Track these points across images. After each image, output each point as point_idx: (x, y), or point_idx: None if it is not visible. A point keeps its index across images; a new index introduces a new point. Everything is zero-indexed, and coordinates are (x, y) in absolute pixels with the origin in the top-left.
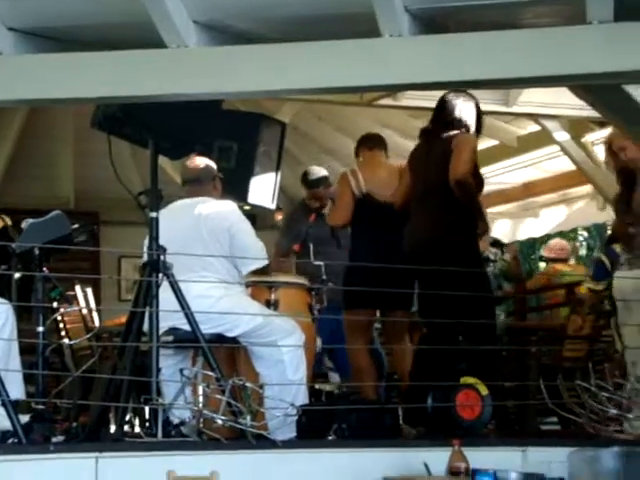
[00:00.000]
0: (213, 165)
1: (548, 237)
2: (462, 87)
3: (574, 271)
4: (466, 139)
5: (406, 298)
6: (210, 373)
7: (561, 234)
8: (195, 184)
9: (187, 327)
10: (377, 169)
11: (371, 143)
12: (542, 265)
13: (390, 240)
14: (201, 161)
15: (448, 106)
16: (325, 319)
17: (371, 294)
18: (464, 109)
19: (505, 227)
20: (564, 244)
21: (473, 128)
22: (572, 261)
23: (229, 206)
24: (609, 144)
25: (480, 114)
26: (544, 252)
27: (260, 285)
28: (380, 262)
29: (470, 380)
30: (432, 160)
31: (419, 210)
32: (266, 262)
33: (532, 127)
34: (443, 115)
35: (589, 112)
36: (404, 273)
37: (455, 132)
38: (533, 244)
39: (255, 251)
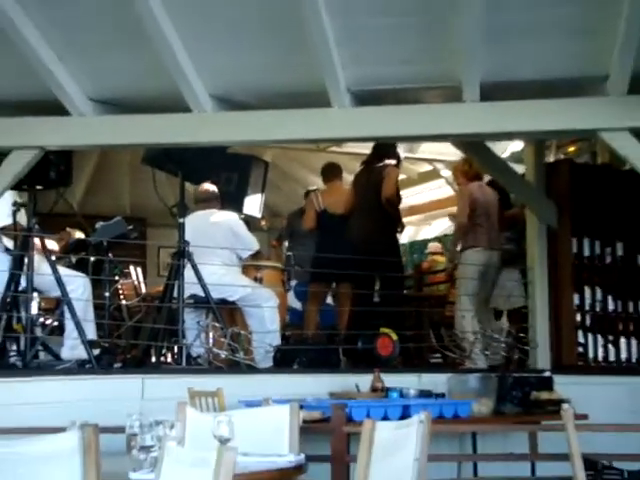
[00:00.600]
0: (215, 189)
1: (436, 239)
2: (383, 141)
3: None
4: (392, 170)
5: (350, 275)
6: (217, 324)
7: (437, 238)
8: (206, 202)
9: (202, 294)
10: (333, 193)
11: (330, 175)
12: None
13: (340, 238)
14: (209, 187)
15: (381, 149)
16: (303, 291)
17: (327, 272)
18: (391, 151)
19: (410, 231)
20: (438, 245)
21: (395, 163)
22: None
23: (231, 214)
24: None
25: (399, 155)
26: (429, 249)
27: (250, 267)
28: (333, 252)
29: (386, 330)
30: (369, 184)
31: (360, 218)
32: (257, 249)
33: (428, 167)
34: (377, 154)
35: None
36: (351, 259)
37: (385, 165)
38: (426, 243)
39: (250, 242)
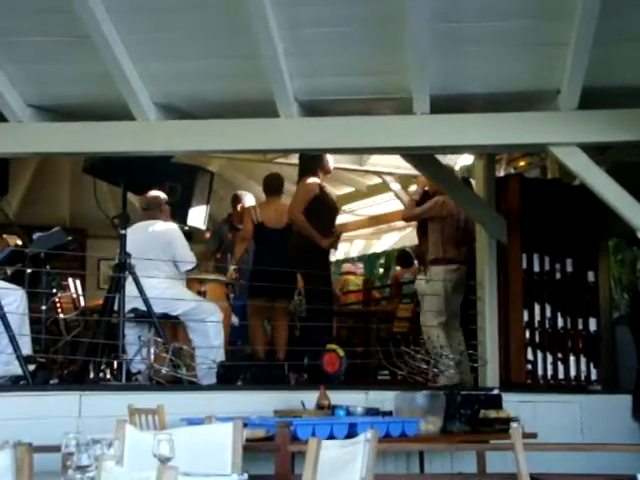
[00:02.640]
0: (162, 196)
1: (384, 254)
2: (330, 152)
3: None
4: (300, 188)
5: (288, 291)
6: (159, 339)
7: (384, 253)
8: (149, 210)
9: (144, 308)
10: (270, 207)
11: (270, 189)
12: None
13: (277, 252)
14: (152, 193)
15: (303, 164)
16: (240, 304)
17: (266, 286)
18: (314, 166)
19: (359, 246)
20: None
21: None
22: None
23: (173, 226)
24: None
25: (326, 166)
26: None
27: (194, 280)
28: (270, 265)
29: (332, 346)
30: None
31: (293, 235)
32: (195, 264)
33: (377, 180)
34: (302, 169)
35: (413, 171)
36: (287, 274)
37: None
38: (378, 257)
39: (187, 256)
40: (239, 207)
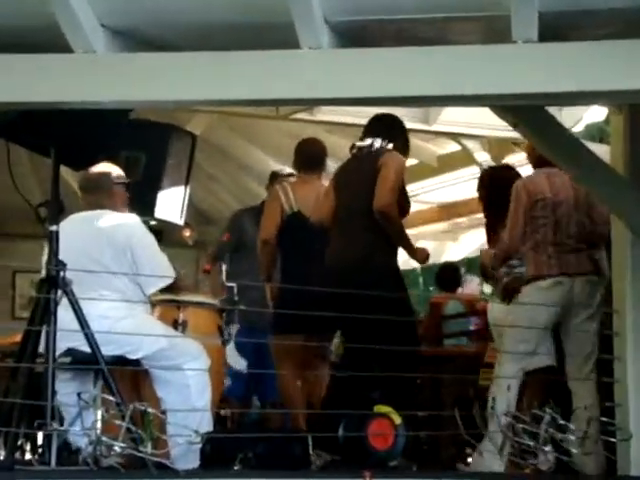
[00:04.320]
0: (115, 171)
1: (469, 261)
2: (381, 104)
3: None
4: (393, 159)
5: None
6: (110, 398)
7: (468, 260)
8: (93, 193)
9: (87, 348)
10: (308, 190)
11: (311, 162)
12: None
13: (321, 261)
14: (100, 167)
15: (378, 125)
16: (248, 342)
17: (304, 317)
18: (394, 128)
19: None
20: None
21: (399, 150)
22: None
23: (132, 220)
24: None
25: (407, 135)
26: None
27: (166, 304)
28: (311, 284)
29: (383, 409)
30: (359, 179)
31: (343, 231)
32: (172, 280)
33: (452, 146)
34: (373, 132)
35: (511, 133)
36: (332, 296)
37: (382, 149)
38: None
39: (160, 268)
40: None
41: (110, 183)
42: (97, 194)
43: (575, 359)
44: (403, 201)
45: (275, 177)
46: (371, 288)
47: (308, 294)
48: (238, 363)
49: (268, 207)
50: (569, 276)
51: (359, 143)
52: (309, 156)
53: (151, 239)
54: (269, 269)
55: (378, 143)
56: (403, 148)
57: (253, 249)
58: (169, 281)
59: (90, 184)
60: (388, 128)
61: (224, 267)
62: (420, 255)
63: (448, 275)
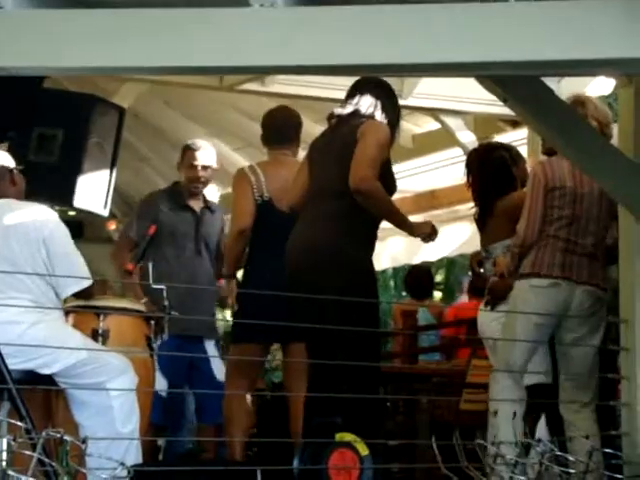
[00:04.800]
0: (7, 156)
1: (449, 261)
2: (344, 73)
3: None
4: (374, 128)
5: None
6: (18, 423)
7: (449, 260)
8: None
9: None
10: (277, 171)
11: (277, 140)
12: (437, 295)
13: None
14: None
15: (363, 88)
16: (170, 355)
17: (265, 325)
18: (382, 94)
19: (396, 247)
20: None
21: (384, 118)
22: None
23: (45, 211)
24: None
25: (398, 103)
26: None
27: (84, 311)
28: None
29: (347, 437)
30: (332, 152)
31: (307, 217)
32: (89, 283)
33: (430, 125)
34: (355, 98)
35: (500, 109)
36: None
37: (363, 118)
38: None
39: (76, 270)
40: (197, 166)
41: (5, 170)
42: None
43: (568, 382)
44: (388, 181)
45: (189, 151)
46: (338, 290)
47: (269, 298)
48: (159, 383)
49: (239, 190)
50: (571, 281)
51: (338, 110)
52: (279, 126)
53: (67, 235)
54: (237, 264)
55: (364, 108)
56: (392, 119)
57: (171, 239)
58: (86, 284)
59: None
60: (374, 94)
61: (150, 266)
62: (422, 229)
63: (419, 280)
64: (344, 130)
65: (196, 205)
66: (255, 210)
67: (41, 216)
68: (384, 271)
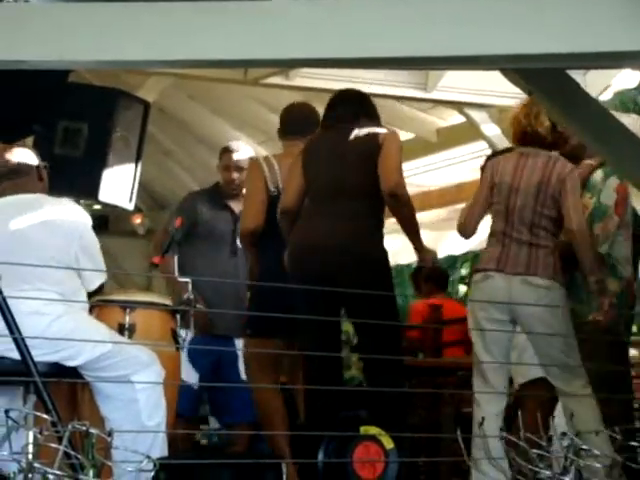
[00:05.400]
0: (31, 153)
1: (474, 255)
2: (368, 66)
3: None
4: (395, 139)
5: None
6: (44, 415)
7: (475, 254)
8: (13, 179)
9: (15, 355)
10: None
11: (295, 130)
12: (462, 289)
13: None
14: (16, 152)
15: (350, 102)
16: (201, 350)
17: (285, 320)
18: (366, 106)
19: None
20: None
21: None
22: None
23: (77, 208)
24: None
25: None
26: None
27: (109, 304)
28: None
29: (371, 430)
30: (349, 156)
31: (323, 217)
32: (104, 279)
33: (455, 118)
34: (347, 109)
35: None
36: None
37: (379, 128)
38: (453, 262)
39: (99, 264)
40: (231, 168)
41: (33, 166)
42: (20, 178)
43: (549, 374)
44: None
45: (226, 153)
46: (365, 285)
47: (291, 292)
48: (189, 375)
49: (251, 187)
50: (504, 273)
51: (334, 114)
52: (296, 118)
53: (94, 234)
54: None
55: (370, 115)
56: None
57: (208, 238)
58: (104, 279)
59: (12, 167)
60: (368, 101)
61: (176, 259)
62: (428, 253)
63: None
64: (358, 137)
65: (236, 206)
66: (268, 203)
67: (75, 212)
68: (407, 266)
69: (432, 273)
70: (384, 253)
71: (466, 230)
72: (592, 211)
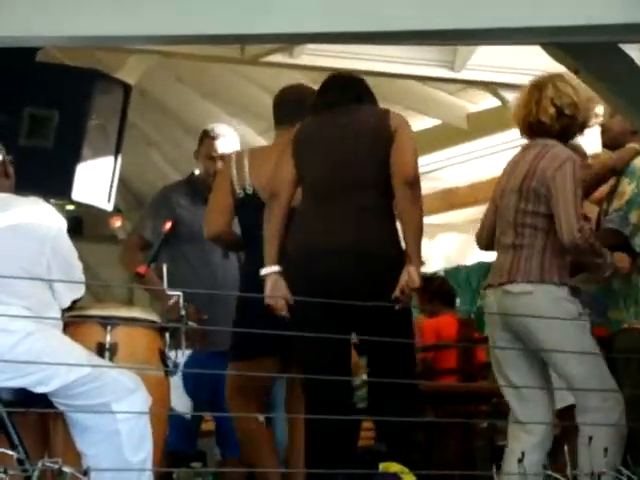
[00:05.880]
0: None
1: None
2: (390, 41)
3: None
4: (406, 123)
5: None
6: (9, 452)
7: None
8: None
9: None
10: (272, 154)
11: (282, 117)
12: None
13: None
14: None
15: (349, 86)
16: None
17: (274, 336)
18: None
19: (450, 245)
20: None
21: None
22: None
23: (50, 209)
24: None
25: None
26: None
27: (89, 321)
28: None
29: (392, 467)
30: (353, 143)
31: (326, 215)
32: (82, 293)
33: (488, 101)
34: (354, 86)
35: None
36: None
37: (386, 109)
38: (486, 271)
39: (76, 275)
40: (216, 158)
41: (4, 162)
42: None
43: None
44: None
45: (208, 139)
46: (383, 296)
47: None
48: (181, 403)
49: (215, 187)
50: (492, 287)
51: (331, 98)
52: (289, 104)
53: (68, 239)
54: None
55: (368, 98)
56: None
57: (192, 240)
58: (80, 294)
59: None
60: (363, 84)
61: (165, 268)
62: (417, 268)
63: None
64: (364, 116)
65: None
66: (238, 206)
67: (47, 214)
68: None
69: (437, 292)
70: (398, 251)
71: (479, 240)
72: (630, 198)
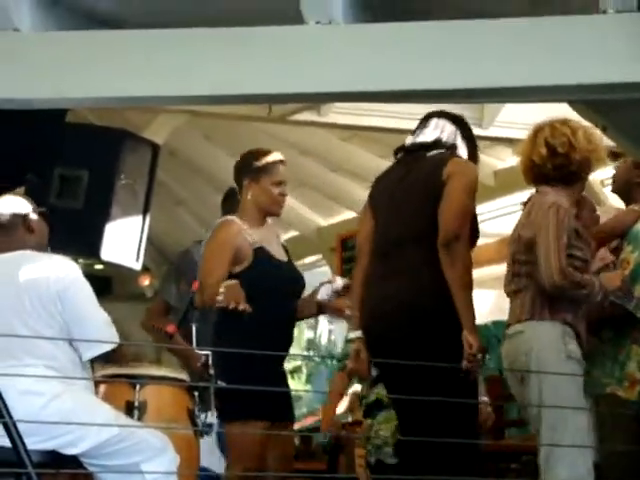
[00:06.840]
0: (21, 201)
1: None
2: (413, 100)
3: None
4: (464, 168)
5: None
6: None
7: None
8: (5, 233)
9: (5, 441)
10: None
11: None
12: None
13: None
14: (11, 202)
15: (433, 120)
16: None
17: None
18: (462, 126)
19: (478, 302)
20: None
21: (466, 150)
22: None
23: (63, 263)
24: None
25: (474, 138)
26: None
27: (118, 381)
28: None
29: None
30: (411, 192)
31: (390, 267)
32: (113, 345)
33: (515, 158)
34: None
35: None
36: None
37: (446, 154)
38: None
39: (98, 329)
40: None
41: (20, 217)
42: (5, 235)
43: None
44: (472, 226)
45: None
46: (440, 350)
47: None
48: (216, 464)
49: (215, 248)
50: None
51: (409, 141)
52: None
53: (86, 289)
54: None
55: (445, 138)
56: (474, 153)
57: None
58: (110, 347)
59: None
60: (451, 123)
61: (194, 328)
62: (475, 342)
63: None
64: (423, 165)
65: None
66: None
67: (58, 268)
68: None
69: None
70: (451, 312)
71: (505, 290)
72: (634, 268)
